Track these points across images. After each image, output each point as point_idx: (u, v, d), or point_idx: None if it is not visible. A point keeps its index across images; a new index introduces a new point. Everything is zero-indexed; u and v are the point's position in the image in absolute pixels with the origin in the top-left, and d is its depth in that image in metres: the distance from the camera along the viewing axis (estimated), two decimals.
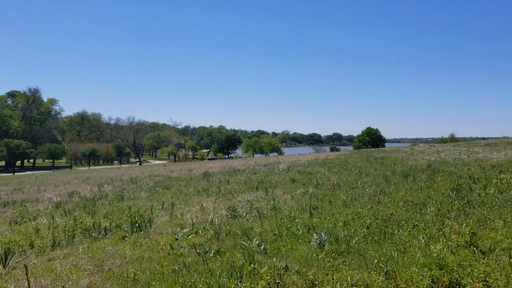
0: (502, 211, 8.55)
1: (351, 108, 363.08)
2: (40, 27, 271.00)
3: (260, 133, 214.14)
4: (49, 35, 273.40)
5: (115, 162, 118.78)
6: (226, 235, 9.08)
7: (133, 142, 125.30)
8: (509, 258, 5.52)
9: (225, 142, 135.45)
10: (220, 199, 15.10)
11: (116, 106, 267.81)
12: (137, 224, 10.52)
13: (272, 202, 12.62)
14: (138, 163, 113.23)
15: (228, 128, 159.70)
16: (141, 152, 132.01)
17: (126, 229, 10.59)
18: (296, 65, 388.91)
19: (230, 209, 11.74)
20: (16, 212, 15.60)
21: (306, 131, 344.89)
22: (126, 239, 9.65)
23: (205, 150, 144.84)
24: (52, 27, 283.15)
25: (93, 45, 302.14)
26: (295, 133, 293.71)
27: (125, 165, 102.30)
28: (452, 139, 77.25)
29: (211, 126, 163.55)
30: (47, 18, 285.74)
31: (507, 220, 7.69)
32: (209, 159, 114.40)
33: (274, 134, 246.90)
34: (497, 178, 12.81)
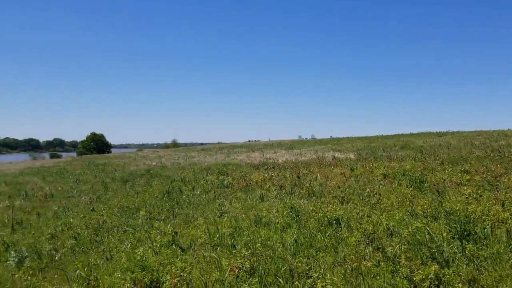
0: (205, 209, 9.62)
1: (74, 112, 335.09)
2: None
3: None
4: None
5: None
6: None
7: None
8: (204, 252, 6.23)
9: None
10: None
11: None
12: None
13: None
14: None
15: None
16: None
17: None
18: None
19: None
20: None
21: (21, 135, 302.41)
22: None
23: None
24: None
25: None
26: (7, 138, 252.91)
27: None
28: (174, 145, 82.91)
29: None
30: None
31: (207, 217, 8.66)
32: None
33: None
34: (204, 180, 14.38)
